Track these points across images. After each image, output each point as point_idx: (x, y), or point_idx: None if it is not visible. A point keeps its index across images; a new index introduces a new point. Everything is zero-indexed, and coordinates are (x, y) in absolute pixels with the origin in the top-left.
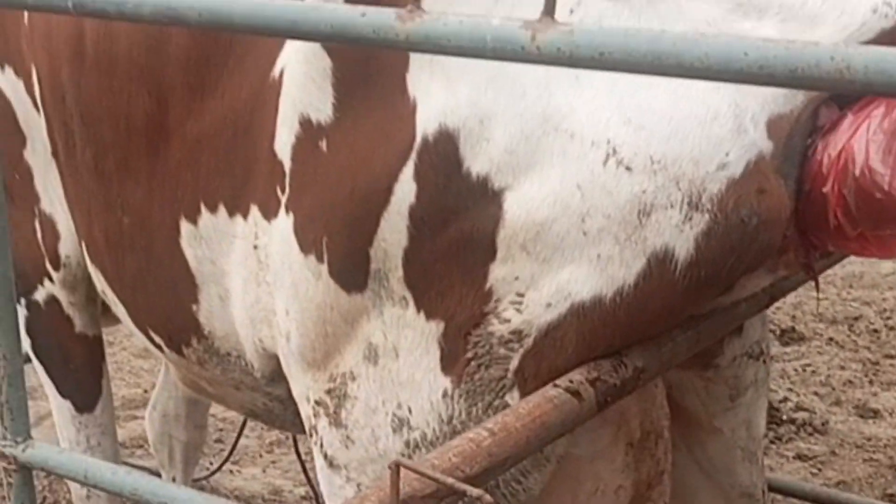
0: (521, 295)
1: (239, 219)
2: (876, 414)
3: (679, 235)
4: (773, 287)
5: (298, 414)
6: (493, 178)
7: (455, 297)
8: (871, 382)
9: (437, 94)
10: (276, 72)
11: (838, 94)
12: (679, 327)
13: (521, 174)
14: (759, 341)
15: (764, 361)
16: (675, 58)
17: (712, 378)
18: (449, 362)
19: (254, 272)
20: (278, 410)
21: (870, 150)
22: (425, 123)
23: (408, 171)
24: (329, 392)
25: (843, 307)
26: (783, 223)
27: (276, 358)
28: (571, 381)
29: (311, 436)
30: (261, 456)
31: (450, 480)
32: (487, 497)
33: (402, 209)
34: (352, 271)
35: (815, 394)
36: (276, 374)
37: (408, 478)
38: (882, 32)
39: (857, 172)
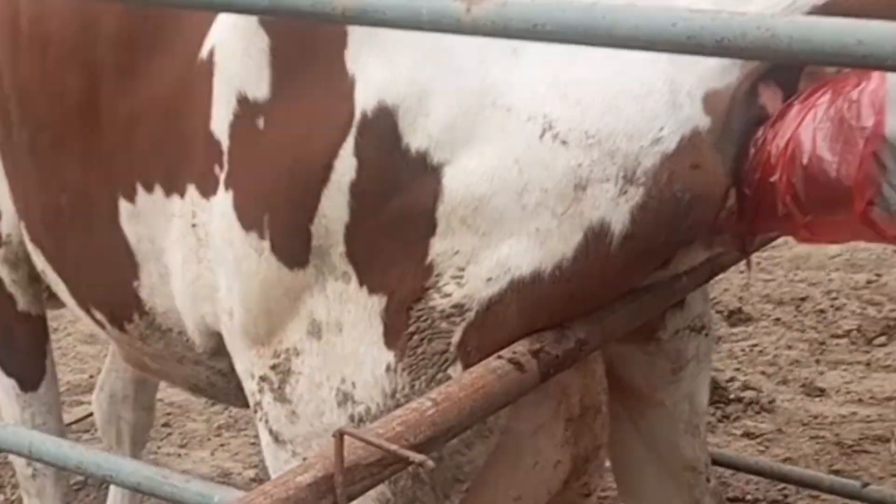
0: (461, 269)
1: (176, 197)
2: (822, 392)
3: (615, 209)
4: (712, 262)
5: (241, 387)
6: (433, 154)
7: (397, 271)
8: (817, 362)
9: (376, 71)
10: (204, 51)
11: (776, 72)
12: (620, 300)
13: (460, 149)
14: (700, 315)
15: (706, 335)
16: (606, 29)
17: (654, 351)
18: (391, 336)
19: (193, 249)
20: (221, 384)
21: (816, 139)
22: (364, 100)
23: (348, 147)
24: (273, 368)
25: (790, 288)
26: (717, 199)
27: (218, 334)
28: (514, 353)
29: (255, 412)
30: (209, 439)
31: (393, 447)
32: (429, 462)
33: (343, 185)
34: (293, 247)
35: (763, 373)
36: (219, 349)
37: (352, 446)
38: (813, 9)
39: (805, 161)
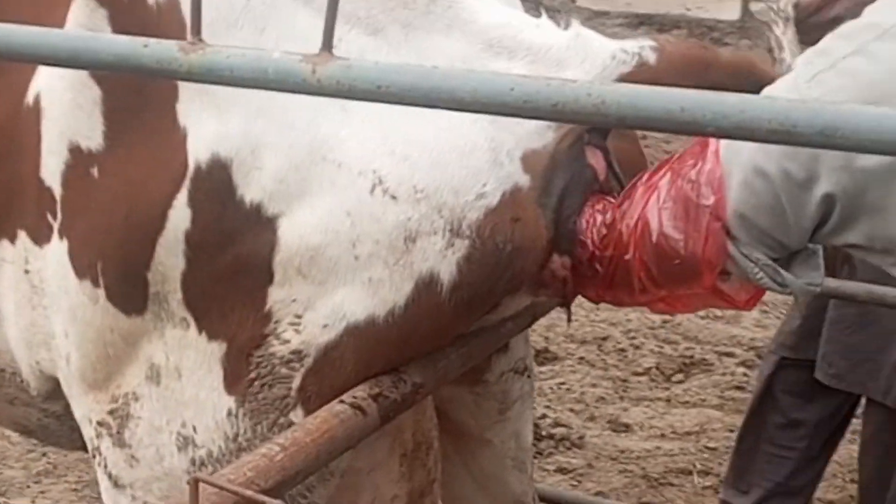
0: (298, 316)
1: (6, 243)
2: (628, 428)
3: (443, 260)
4: (534, 308)
5: (75, 429)
6: (267, 206)
7: (236, 318)
8: (621, 398)
9: (208, 124)
10: (30, 97)
11: (593, 135)
12: (451, 345)
13: (294, 202)
14: (523, 358)
15: (528, 376)
16: (448, 92)
17: (482, 393)
18: (232, 382)
19: (27, 296)
20: (54, 426)
21: (662, 218)
22: (197, 152)
23: (182, 198)
24: (112, 413)
25: (592, 328)
26: (538, 251)
27: (53, 378)
28: (355, 397)
29: (94, 457)
30: (28, 486)
31: (248, 493)
32: None
33: (179, 234)
34: (130, 295)
35: (571, 410)
36: (53, 393)
37: (205, 492)
38: (620, 77)
39: (654, 239)
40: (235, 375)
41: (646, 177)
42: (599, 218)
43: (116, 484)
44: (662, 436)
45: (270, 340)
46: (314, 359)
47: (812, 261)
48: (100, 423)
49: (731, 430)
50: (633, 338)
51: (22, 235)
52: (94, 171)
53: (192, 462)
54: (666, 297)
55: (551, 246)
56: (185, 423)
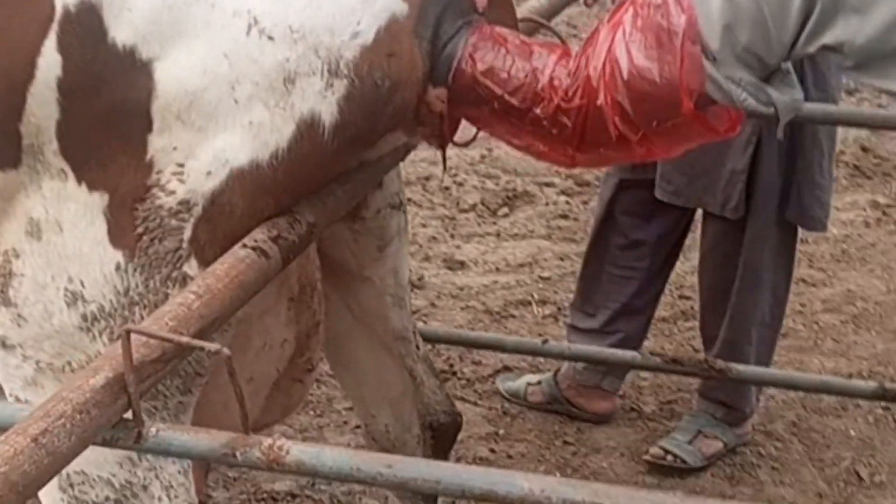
0: (181, 165)
1: None
2: (462, 265)
3: (323, 101)
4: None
5: None
6: (140, 49)
7: (116, 168)
8: (452, 236)
9: None
10: None
11: None
12: (337, 183)
13: (168, 44)
14: (397, 192)
15: (403, 212)
16: None
17: (360, 230)
18: (118, 235)
19: None
20: None
21: (631, 51)
22: None
23: (50, 44)
24: None
25: (414, 168)
26: (416, 83)
27: None
28: (256, 241)
29: None
30: None
31: (185, 340)
32: (226, 350)
33: (50, 82)
34: (3, 148)
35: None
36: None
37: (134, 344)
38: None
39: (626, 76)
40: (121, 228)
41: (606, 18)
42: (562, 70)
43: (5, 344)
44: (497, 270)
45: (155, 192)
46: (203, 207)
47: (788, 79)
48: None
49: (562, 259)
50: (455, 175)
51: None
52: None
53: (84, 317)
54: (644, 139)
55: (427, 78)
56: (72, 278)
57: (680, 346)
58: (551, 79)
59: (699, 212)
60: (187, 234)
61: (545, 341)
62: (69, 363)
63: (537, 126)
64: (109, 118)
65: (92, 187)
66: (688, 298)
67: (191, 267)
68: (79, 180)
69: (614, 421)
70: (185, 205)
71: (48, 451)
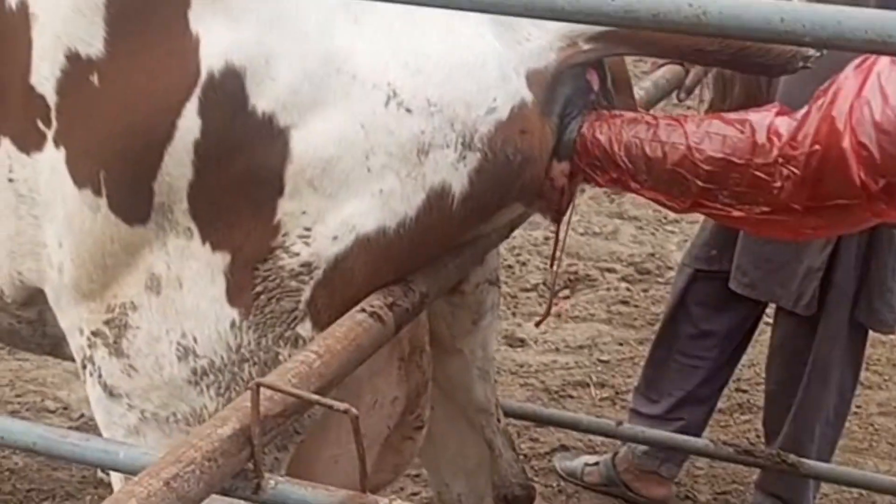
0: (308, 229)
1: None
2: (523, 343)
3: (454, 172)
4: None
5: (47, 335)
6: (279, 116)
7: (242, 230)
8: (513, 314)
9: (221, 32)
10: (12, 2)
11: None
12: (448, 255)
13: (307, 113)
14: (495, 269)
15: (498, 288)
16: (548, 3)
17: (458, 303)
18: (236, 294)
19: (11, 205)
20: (26, 332)
21: (887, 92)
22: (210, 60)
23: (191, 107)
24: (108, 322)
25: None
26: (544, 158)
27: (34, 288)
28: (373, 306)
29: (83, 367)
30: None
31: (314, 397)
32: (354, 410)
33: (188, 144)
34: (134, 204)
35: None
36: (30, 300)
37: (262, 396)
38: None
39: (878, 116)
40: (239, 287)
41: (852, 67)
42: (783, 121)
43: (112, 394)
44: (557, 350)
45: (278, 253)
46: (324, 271)
47: None
48: (94, 333)
49: (621, 344)
50: (519, 255)
51: (5, 142)
52: (94, 79)
53: (194, 372)
54: (886, 190)
55: (552, 153)
56: (185, 333)
57: (735, 438)
58: (770, 128)
59: (770, 307)
60: (305, 295)
61: (619, 423)
62: (174, 414)
63: (753, 185)
64: (241, 182)
65: (216, 247)
66: (744, 391)
67: (304, 328)
68: (203, 240)
69: None
70: (307, 267)
71: (178, 496)
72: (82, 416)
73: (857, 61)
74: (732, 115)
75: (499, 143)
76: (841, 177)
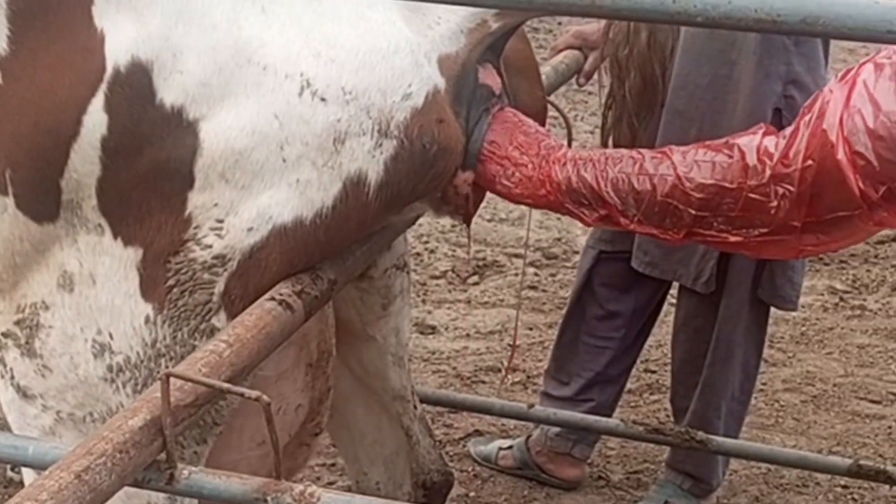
0: (220, 221)
1: None
2: (434, 330)
3: (371, 160)
4: None
5: None
6: (188, 109)
7: (153, 224)
8: (423, 302)
9: (126, 27)
10: None
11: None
12: (356, 242)
13: (217, 105)
14: (403, 254)
15: (407, 273)
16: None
17: (367, 289)
18: (149, 288)
19: None
20: None
21: (878, 99)
22: (116, 55)
23: (97, 103)
24: (18, 323)
25: None
26: (457, 154)
27: None
28: (282, 294)
29: None
30: None
31: (226, 385)
32: (265, 398)
33: (94, 140)
34: (42, 202)
35: None
36: None
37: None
38: None
39: (872, 123)
40: (153, 282)
41: (834, 81)
42: (771, 140)
43: (25, 395)
44: (468, 336)
45: (190, 246)
46: (238, 262)
47: None
48: (4, 335)
49: (531, 328)
50: (427, 242)
51: None
52: None
53: (109, 369)
54: (888, 197)
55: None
56: (101, 330)
57: (645, 418)
58: (760, 149)
59: (675, 286)
60: (219, 287)
61: (531, 406)
62: (90, 414)
63: (748, 208)
64: (151, 176)
65: (127, 242)
66: (653, 372)
67: (219, 320)
68: (115, 235)
69: (583, 488)
70: (221, 259)
71: (90, 488)
72: None
73: (840, 75)
74: (718, 142)
75: (415, 131)
76: (839, 189)
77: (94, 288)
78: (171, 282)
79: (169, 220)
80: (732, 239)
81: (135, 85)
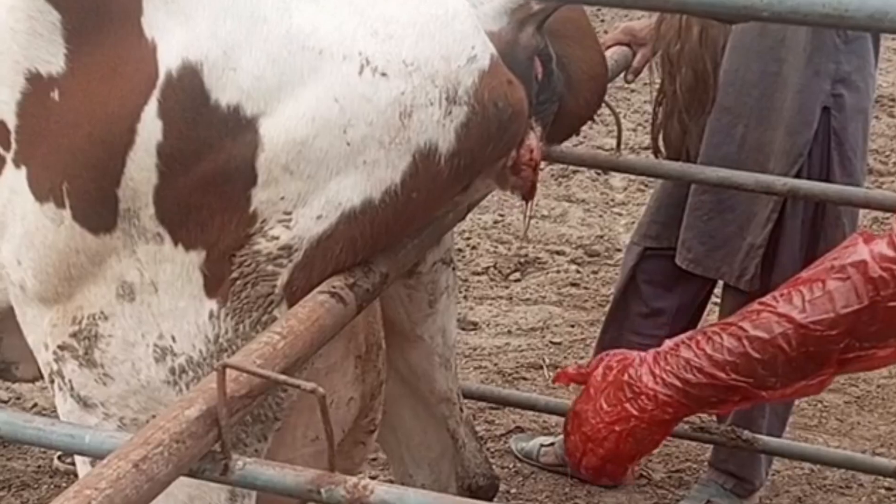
0: (288, 213)
1: None
2: (475, 326)
3: (441, 130)
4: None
5: None
6: (245, 106)
7: (216, 225)
8: (465, 298)
9: (176, 32)
10: None
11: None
12: (407, 236)
13: (274, 98)
14: (449, 249)
15: (453, 269)
16: None
17: (414, 285)
18: (213, 285)
19: None
20: None
21: None
22: (167, 61)
23: (150, 110)
24: (75, 335)
25: None
26: (526, 115)
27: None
28: (334, 287)
29: (52, 382)
30: None
31: (281, 377)
32: (321, 389)
33: (150, 148)
34: (99, 213)
35: None
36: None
37: (229, 378)
38: None
39: None
40: (217, 279)
41: None
42: (881, 244)
43: (86, 404)
44: (509, 332)
45: (255, 239)
46: (304, 252)
47: None
48: (61, 347)
49: (572, 326)
50: (469, 238)
51: None
52: (55, 95)
53: (172, 371)
54: None
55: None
56: (163, 334)
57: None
58: (875, 257)
59: (720, 285)
60: (283, 279)
61: None
62: (154, 418)
63: (889, 316)
64: (210, 179)
65: (190, 247)
66: None
67: (280, 312)
68: (175, 242)
69: (624, 486)
70: (287, 250)
71: (148, 477)
72: (35, 405)
73: None
74: (815, 273)
75: (485, 94)
76: None
77: (156, 295)
78: (234, 274)
79: (233, 219)
80: (882, 353)
81: (187, 88)
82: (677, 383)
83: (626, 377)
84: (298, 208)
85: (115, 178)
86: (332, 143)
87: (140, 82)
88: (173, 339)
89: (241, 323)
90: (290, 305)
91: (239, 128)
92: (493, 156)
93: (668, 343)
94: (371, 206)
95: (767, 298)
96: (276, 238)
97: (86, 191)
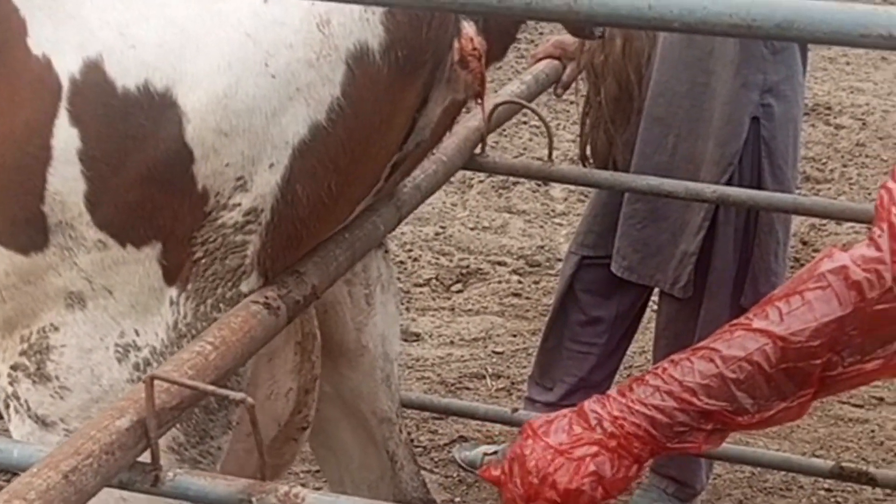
0: (240, 177)
1: None
2: (418, 337)
3: (366, 25)
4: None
5: None
6: (154, 80)
7: (166, 216)
8: (408, 309)
9: (69, 36)
10: None
11: None
12: (338, 246)
13: (181, 58)
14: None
15: (385, 251)
16: None
17: (350, 279)
18: (173, 272)
19: None
20: None
21: None
22: (67, 67)
23: (62, 122)
24: (24, 353)
25: None
26: None
27: None
28: (267, 298)
29: (7, 407)
30: None
31: (210, 388)
32: (250, 399)
33: (69, 157)
34: (26, 233)
35: None
36: None
37: (156, 389)
38: None
39: None
40: (177, 264)
41: None
42: (862, 247)
43: (45, 423)
44: (452, 343)
45: (215, 214)
46: (271, 208)
47: None
48: (13, 368)
49: (514, 335)
50: (410, 250)
51: None
52: None
53: (136, 367)
54: None
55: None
56: (125, 332)
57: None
58: (859, 262)
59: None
60: (254, 246)
61: (515, 410)
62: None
63: (877, 322)
64: (145, 172)
65: (141, 244)
66: None
67: (248, 284)
68: (123, 244)
69: None
70: (253, 213)
71: (76, 489)
72: None
73: None
74: (790, 287)
75: None
76: None
77: (112, 298)
78: (198, 254)
79: (183, 204)
80: (870, 367)
81: (92, 85)
82: (645, 410)
83: (586, 407)
84: (248, 167)
85: (37, 196)
86: (257, 82)
87: (42, 100)
88: (136, 333)
89: (201, 304)
90: (263, 276)
91: (155, 106)
92: (432, 42)
93: (632, 378)
94: (321, 130)
95: (740, 319)
96: (239, 205)
97: (9, 215)
